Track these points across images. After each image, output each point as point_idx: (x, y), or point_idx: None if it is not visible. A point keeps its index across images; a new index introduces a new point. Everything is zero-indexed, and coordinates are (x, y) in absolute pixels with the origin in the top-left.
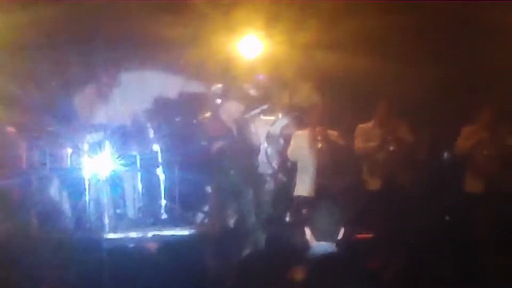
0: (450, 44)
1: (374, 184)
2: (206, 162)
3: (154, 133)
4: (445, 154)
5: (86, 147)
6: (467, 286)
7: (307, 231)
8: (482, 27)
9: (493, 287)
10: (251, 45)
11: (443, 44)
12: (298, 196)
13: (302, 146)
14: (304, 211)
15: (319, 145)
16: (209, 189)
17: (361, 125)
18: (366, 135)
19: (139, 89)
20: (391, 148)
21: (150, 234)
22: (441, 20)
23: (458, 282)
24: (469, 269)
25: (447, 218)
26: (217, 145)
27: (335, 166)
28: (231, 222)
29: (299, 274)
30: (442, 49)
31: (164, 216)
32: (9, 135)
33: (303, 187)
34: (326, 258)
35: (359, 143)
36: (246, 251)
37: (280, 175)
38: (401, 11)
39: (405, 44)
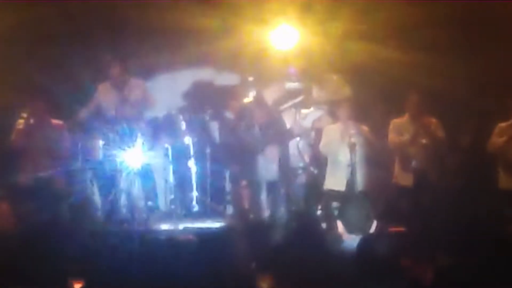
0: (485, 36)
1: (406, 179)
2: (238, 154)
3: (186, 125)
4: (479, 150)
5: (117, 139)
6: (499, 286)
7: (339, 225)
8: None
9: None
10: (283, 36)
11: (477, 36)
12: (329, 190)
13: (334, 140)
14: (335, 204)
15: (351, 140)
16: (240, 181)
17: (395, 120)
18: (398, 129)
19: (170, 81)
20: (423, 141)
21: (181, 227)
22: (477, 11)
23: (491, 281)
24: (501, 269)
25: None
26: (249, 138)
27: (366, 161)
28: (263, 215)
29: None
30: (476, 42)
31: (195, 208)
32: (54, 127)
33: (334, 181)
34: (359, 251)
35: (392, 137)
36: (278, 245)
37: (311, 169)
38: (434, 3)
39: (439, 36)
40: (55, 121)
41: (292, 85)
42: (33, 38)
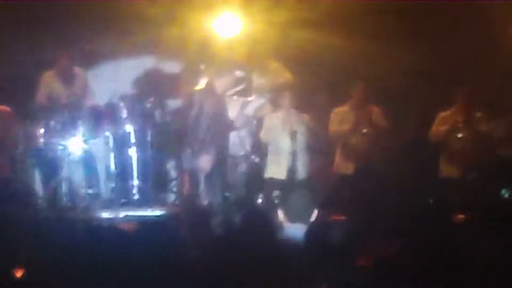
0: (427, 27)
1: (347, 167)
2: (180, 142)
3: (127, 113)
4: (421, 139)
5: (59, 127)
6: (445, 273)
7: (280, 213)
8: (460, 7)
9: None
10: (227, 24)
11: (420, 26)
12: (270, 178)
13: (275, 128)
14: (275, 193)
15: (292, 128)
16: (181, 169)
17: (336, 109)
18: (340, 118)
19: (112, 69)
20: (364, 131)
21: (122, 215)
22: (419, 3)
23: (435, 269)
24: (446, 254)
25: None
26: (192, 124)
27: (307, 149)
28: (203, 203)
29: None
30: (420, 32)
31: (136, 196)
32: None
33: (275, 169)
34: (299, 240)
35: (333, 126)
36: (218, 233)
37: (253, 157)
38: None
39: (383, 26)
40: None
41: (235, 73)
42: None
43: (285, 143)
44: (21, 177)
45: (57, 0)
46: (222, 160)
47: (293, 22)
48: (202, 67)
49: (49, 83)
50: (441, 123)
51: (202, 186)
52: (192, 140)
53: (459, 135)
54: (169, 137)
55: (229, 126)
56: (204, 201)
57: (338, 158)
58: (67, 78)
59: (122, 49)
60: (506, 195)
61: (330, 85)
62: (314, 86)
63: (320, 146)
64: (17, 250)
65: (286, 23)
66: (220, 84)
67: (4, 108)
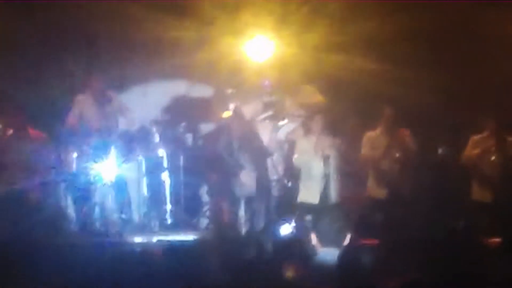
0: (459, 50)
1: (379, 192)
2: (212, 167)
3: (159, 137)
4: (452, 163)
5: (91, 151)
6: None
7: (313, 237)
8: (491, 35)
9: None
10: (258, 48)
11: (452, 50)
12: (303, 203)
13: (307, 153)
14: (308, 217)
15: (325, 152)
16: (215, 194)
17: (368, 133)
18: (372, 142)
19: (144, 93)
20: (396, 155)
21: (155, 239)
22: (451, 27)
23: None
24: (478, 278)
25: (456, 225)
26: (223, 150)
27: (340, 173)
28: (237, 227)
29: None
30: (452, 55)
31: (169, 221)
32: (29, 138)
33: (308, 193)
34: (332, 263)
35: (365, 151)
36: (252, 257)
37: (285, 181)
38: (412, 15)
39: (415, 49)
40: (33, 132)
41: (266, 97)
42: (8, 49)
43: (318, 167)
44: (54, 202)
45: (90, 25)
46: (255, 184)
47: (324, 46)
48: (233, 91)
49: (82, 107)
50: (474, 147)
51: (235, 211)
52: (223, 164)
53: (492, 158)
54: (201, 161)
55: (261, 150)
56: (237, 226)
57: (370, 182)
58: (100, 101)
59: (153, 73)
60: None
61: (362, 109)
62: (345, 110)
63: (352, 171)
64: (51, 275)
65: (317, 47)
66: (251, 109)
67: (39, 133)
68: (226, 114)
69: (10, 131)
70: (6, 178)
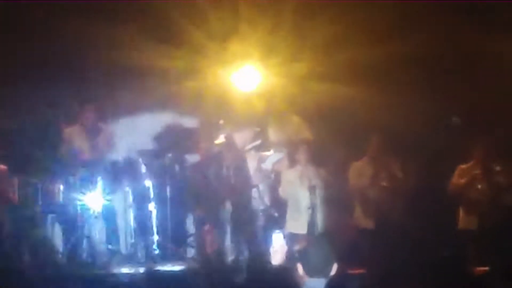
0: (446, 80)
1: (366, 221)
2: (198, 198)
3: (146, 168)
4: (439, 192)
5: (78, 183)
6: None
7: (300, 268)
8: (478, 65)
9: None
10: (246, 78)
11: (439, 80)
12: (290, 233)
13: (293, 183)
14: (295, 247)
15: (311, 182)
16: (201, 224)
17: (355, 163)
18: (359, 172)
19: (132, 124)
20: (383, 184)
21: (142, 270)
22: (438, 56)
23: None
24: None
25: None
26: (210, 179)
27: (326, 204)
28: (223, 258)
29: None
30: (439, 85)
31: (156, 251)
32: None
33: (295, 223)
34: None
35: (352, 180)
36: (239, 286)
37: (272, 211)
38: (398, 44)
39: (401, 78)
40: (2, 166)
41: (252, 127)
42: None
43: (304, 197)
44: (41, 233)
45: (78, 55)
46: (241, 214)
47: (310, 76)
48: (221, 122)
49: (72, 138)
50: (461, 176)
51: (222, 241)
52: (211, 195)
53: (479, 187)
54: (188, 192)
55: (248, 180)
56: (224, 256)
57: (357, 211)
58: (91, 133)
59: (140, 104)
60: None
61: (348, 139)
62: (331, 140)
63: (339, 200)
64: None
65: (304, 77)
66: (239, 139)
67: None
68: (217, 142)
69: None
70: None
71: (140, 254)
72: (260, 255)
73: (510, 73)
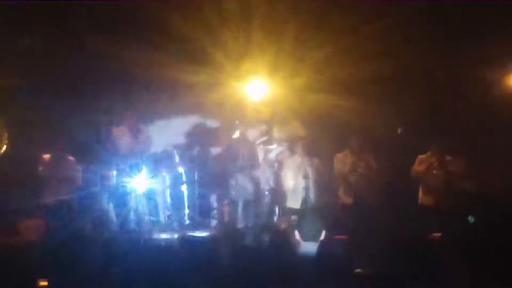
0: (409, 93)
1: (347, 199)
2: (219, 180)
3: (179, 158)
4: (404, 176)
5: (127, 169)
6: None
7: (296, 234)
8: (434, 83)
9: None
10: (255, 89)
11: (404, 94)
12: (289, 208)
13: (292, 170)
14: (293, 219)
15: (305, 170)
16: (221, 201)
17: (338, 154)
18: (342, 161)
19: (167, 125)
20: (360, 171)
21: (176, 236)
22: (402, 74)
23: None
24: (424, 266)
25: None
26: (228, 166)
27: (317, 186)
28: (238, 227)
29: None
30: (404, 97)
31: (186, 222)
32: (70, 162)
33: (293, 201)
34: (312, 254)
35: (337, 168)
36: (248, 248)
37: (275, 191)
38: (371, 65)
39: (377, 92)
40: (70, 158)
41: (260, 127)
42: (59, 92)
43: (300, 181)
44: (99, 207)
45: (125, 70)
46: (252, 194)
47: (306, 88)
48: (236, 122)
49: (120, 135)
50: (420, 164)
51: (237, 214)
52: (228, 178)
53: (434, 172)
54: (211, 176)
55: (257, 167)
56: (239, 225)
57: (340, 191)
58: (133, 132)
59: (175, 109)
60: (472, 220)
61: (333, 136)
62: (321, 137)
63: (326, 183)
64: (97, 263)
65: (301, 89)
66: (250, 135)
67: (71, 158)
68: (233, 138)
69: (54, 156)
70: (57, 192)
71: (174, 223)
72: (266, 224)
73: (457, 87)
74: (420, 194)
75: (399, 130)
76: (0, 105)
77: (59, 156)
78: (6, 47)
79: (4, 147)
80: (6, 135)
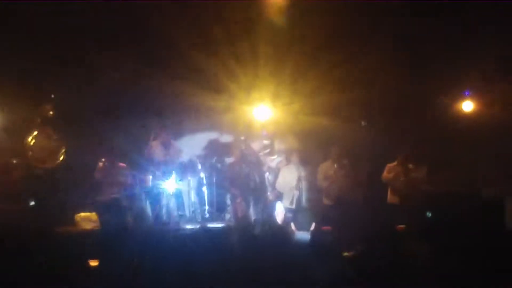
0: (378, 115)
1: (330, 200)
2: (232, 183)
3: (201, 166)
4: (377, 181)
5: (161, 174)
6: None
7: (292, 225)
8: (401, 103)
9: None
10: (261, 112)
11: (376, 114)
12: (285, 206)
13: (288, 175)
14: (289, 214)
15: (299, 175)
16: (234, 199)
17: (324, 163)
18: (326, 169)
19: (192, 140)
20: (341, 177)
21: (198, 226)
22: (374, 98)
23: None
24: (391, 252)
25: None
26: (239, 172)
27: (307, 189)
28: (248, 219)
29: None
30: (376, 117)
31: (207, 215)
32: (120, 168)
33: (288, 200)
34: (305, 241)
35: (320, 175)
36: (256, 236)
37: (275, 192)
38: (350, 93)
39: (350, 113)
40: (121, 164)
41: (265, 142)
42: (112, 113)
43: (294, 184)
44: (139, 204)
45: (160, 97)
46: (257, 194)
47: (300, 112)
48: (243, 138)
49: (155, 148)
50: (388, 171)
51: (247, 209)
52: (240, 181)
53: (401, 179)
54: (226, 180)
55: (261, 173)
56: (248, 218)
57: (324, 193)
58: (166, 145)
59: (197, 128)
60: (429, 215)
61: (320, 149)
62: (311, 149)
63: (314, 186)
64: (138, 249)
65: (296, 113)
66: (256, 148)
67: (122, 164)
68: (240, 150)
69: (106, 163)
70: (110, 191)
71: (197, 217)
72: (269, 217)
73: (418, 112)
74: (389, 195)
75: (362, 123)
76: (65, 124)
77: (111, 163)
78: (67, 75)
79: (62, 157)
80: (64, 148)
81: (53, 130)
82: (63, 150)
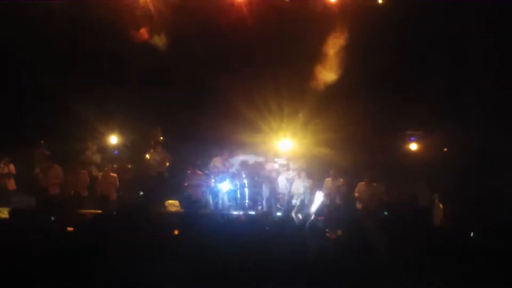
0: (357, 150)
1: (325, 201)
2: (262, 188)
3: (244, 175)
4: (352, 195)
5: (219, 179)
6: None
7: (299, 216)
8: (370, 135)
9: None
10: (284, 144)
11: (355, 149)
12: (295, 203)
13: (298, 186)
14: (295, 210)
15: (306, 185)
16: (263, 197)
17: (326, 179)
18: (326, 184)
19: (238, 159)
20: (336, 189)
21: (241, 213)
22: (359, 136)
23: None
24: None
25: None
26: (267, 182)
27: (311, 195)
28: (271, 211)
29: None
30: (356, 150)
31: (246, 206)
32: (198, 174)
33: (296, 200)
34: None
35: (325, 188)
36: (275, 221)
37: (289, 197)
38: (343, 131)
39: (342, 147)
40: (199, 172)
41: (284, 162)
42: (182, 143)
43: (301, 191)
44: (204, 199)
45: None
46: (277, 195)
47: (310, 144)
48: (270, 159)
49: (216, 163)
50: (359, 188)
51: (270, 205)
52: (266, 187)
53: (368, 193)
54: (259, 185)
55: (280, 183)
56: (270, 210)
57: (325, 200)
58: (224, 162)
59: (244, 152)
60: (385, 214)
61: (322, 169)
62: (315, 169)
63: (313, 192)
64: (202, 227)
65: (308, 145)
66: (279, 166)
67: (200, 172)
68: (271, 167)
69: (190, 172)
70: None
71: (240, 207)
72: (283, 210)
73: (381, 148)
74: (357, 204)
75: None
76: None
77: (194, 172)
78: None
79: (167, 165)
80: (168, 160)
81: (162, 149)
82: (167, 162)
